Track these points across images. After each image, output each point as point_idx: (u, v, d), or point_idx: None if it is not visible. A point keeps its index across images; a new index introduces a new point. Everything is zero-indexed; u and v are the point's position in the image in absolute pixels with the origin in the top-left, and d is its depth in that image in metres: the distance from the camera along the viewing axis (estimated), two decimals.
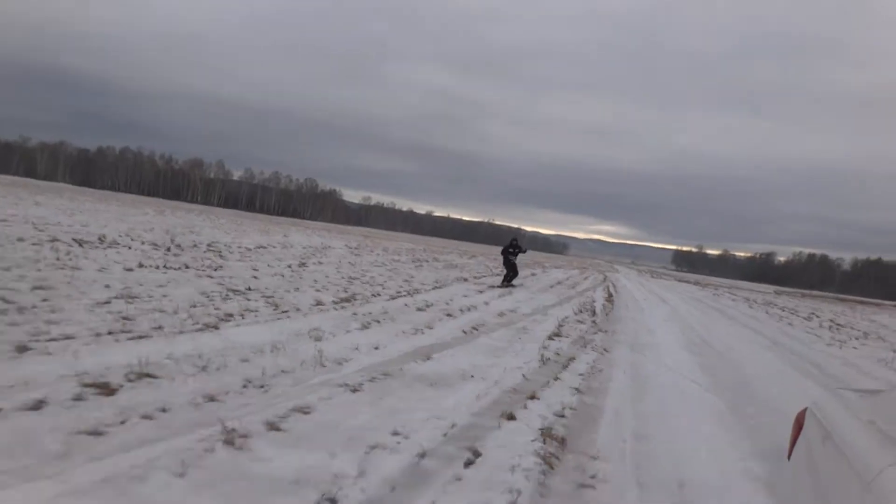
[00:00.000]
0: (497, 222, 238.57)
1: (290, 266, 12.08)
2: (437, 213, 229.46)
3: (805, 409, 1.82)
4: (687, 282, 52.64)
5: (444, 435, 3.52)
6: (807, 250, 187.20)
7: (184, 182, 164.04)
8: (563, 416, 4.24)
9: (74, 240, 10.66)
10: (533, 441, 3.54)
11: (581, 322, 9.76)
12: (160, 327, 5.11)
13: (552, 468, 3.23)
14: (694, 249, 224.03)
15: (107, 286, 6.65)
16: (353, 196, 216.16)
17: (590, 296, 16.61)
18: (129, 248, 10.88)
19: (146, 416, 3.12)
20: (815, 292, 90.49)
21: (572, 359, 6.47)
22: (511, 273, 16.47)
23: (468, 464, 3.14)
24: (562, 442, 3.65)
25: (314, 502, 2.49)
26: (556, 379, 5.39)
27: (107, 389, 3.39)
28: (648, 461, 3.58)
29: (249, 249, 14.71)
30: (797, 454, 1.76)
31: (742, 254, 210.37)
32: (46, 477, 2.37)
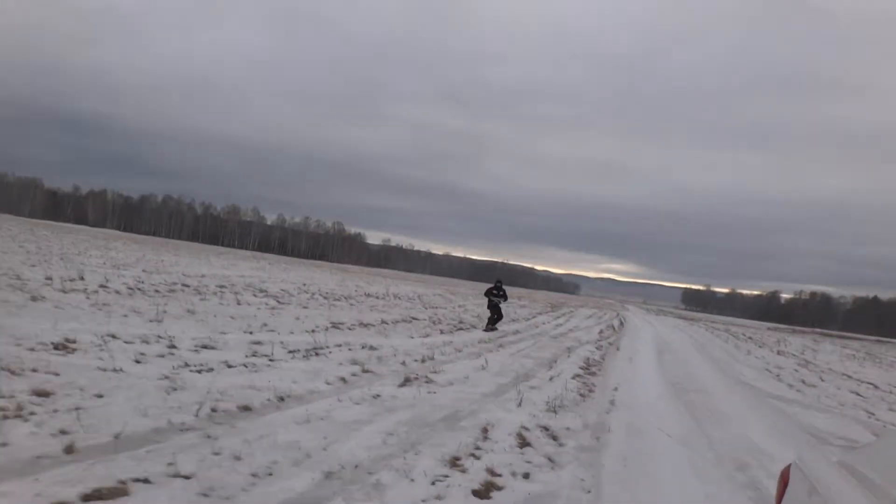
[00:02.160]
0: (511, 262, 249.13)
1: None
2: (454, 254, 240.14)
3: (790, 465, 1.80)
4: (682, 318, 63.80)
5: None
6: (810, 287, 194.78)
7: (222, 227, 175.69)
8: (611, 342, 15.51)
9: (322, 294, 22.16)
10: (580, 366, 14.85)
11: (612, 327, 21.15)
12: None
13: (589, 369, 14.51)
14: (702, 288, 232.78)
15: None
16: (374, 237, 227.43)
17: (614, 321, 28.01)
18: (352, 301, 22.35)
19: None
20: (809, 329, 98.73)
21: (613, 336, 17.76)
22: (495, 316, 16.56)
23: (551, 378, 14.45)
24: (606, 346, 14.92)
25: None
26: (601, 333, 16.69)
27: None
28: (638, 346, 14.85)
29: (400, 297, 26.18)
30: None
31: (749, 292, 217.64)
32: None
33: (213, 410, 4.65)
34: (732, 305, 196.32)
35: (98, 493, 2.94)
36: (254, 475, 3.49)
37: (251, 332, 9.11)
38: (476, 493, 3.73)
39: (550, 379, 8.73)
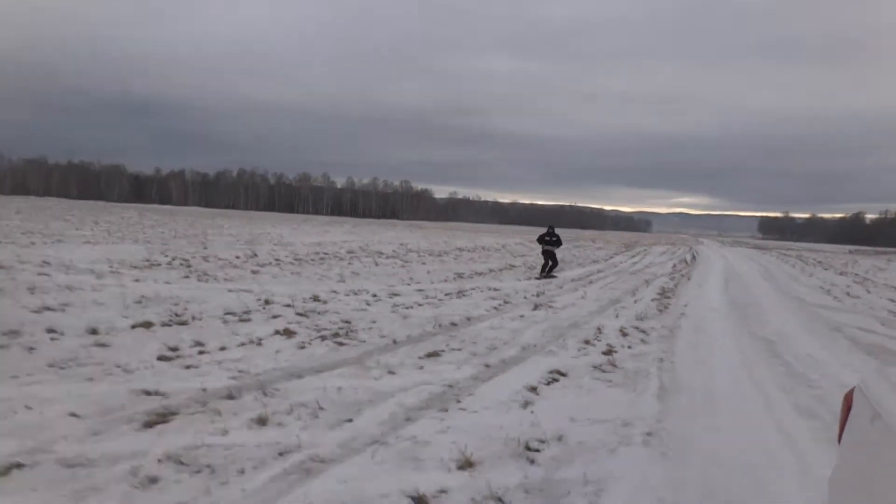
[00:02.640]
0: (580, 205, 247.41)
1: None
2: (522, 202, 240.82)
3: (853, 389, 1.75)
4: (756, 248, 64.44)
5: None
6: None
7: (296, 195, 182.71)
8: (683, 273, 18.24)
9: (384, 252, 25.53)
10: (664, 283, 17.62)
11: (684, 261, 23.73)
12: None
13: (664, 294, 17.26)
14: (780, 215, 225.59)
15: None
16: (440, 192, 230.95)
17: (686, 255, 30.38)
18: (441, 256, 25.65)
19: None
20: (893, 249, 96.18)
21: (685, 269, 20.43)
22: (550, 262, 16.39)
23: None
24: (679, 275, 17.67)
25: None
26: (674, 267, 19.40)
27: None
28: (708, 275, 17.55)
29: (488, 249, 29.36)
30: (847, 436, 1.69)
31: (831, 216, 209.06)
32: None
33: (439, 325, 8.00)
34: (813, 231, 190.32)
35: (430, 355, 6.29)
36: (488, 348, 6.79)
37: (409, 284, 12.54)
38: (604, 353, 6.90)
39: (635, 301, 11.77)
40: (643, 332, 8.46)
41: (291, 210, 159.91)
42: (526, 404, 4.71)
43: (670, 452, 3.84)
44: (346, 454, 3.54)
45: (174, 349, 5.73)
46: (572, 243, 43.69)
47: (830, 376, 6.26)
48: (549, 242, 16.54)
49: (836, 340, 8.61)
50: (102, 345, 5.64)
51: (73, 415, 3.79)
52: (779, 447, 4.09)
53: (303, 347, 6.22)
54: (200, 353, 5.71)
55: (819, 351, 7.71)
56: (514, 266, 19.02)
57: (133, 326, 6.50)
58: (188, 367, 5.20)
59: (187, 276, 11.21)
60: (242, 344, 6.16)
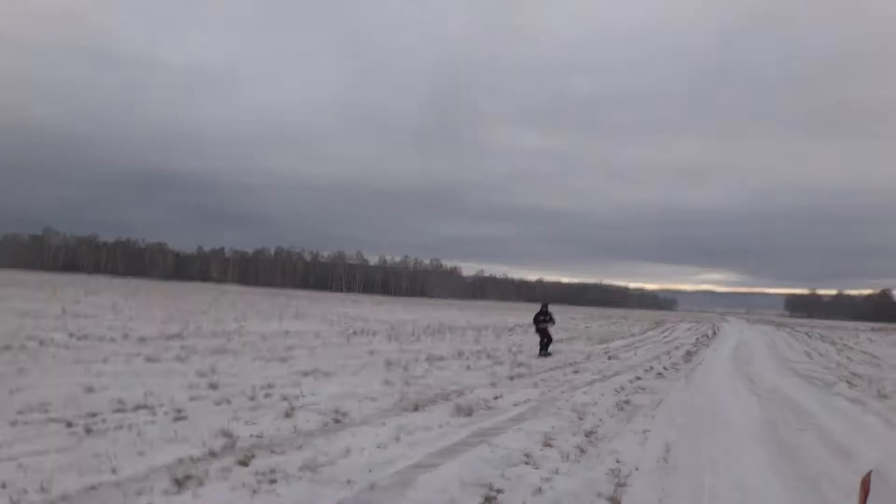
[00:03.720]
0: (605, 282, 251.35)
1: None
2: (547, 279, 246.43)
3: (870, 473, 1.84)
4: (773, 324, 69.98)
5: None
6: None
7: (329, 272, 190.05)
8: (703, 343, 24.59)
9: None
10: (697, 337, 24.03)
11: (706, 335, 30.06)
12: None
13: (689, 355, 23.63)
14: (806, 292, 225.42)
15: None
16: (467, 268, 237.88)
17: (708, 331, 36.56)
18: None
19: None
20: None
21: (706, 340, 26.74)
22: (545, 340, 16.97)
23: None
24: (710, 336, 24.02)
25: None
26: (697, 340, 25.74)
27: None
28: (724, 344, 23.87)
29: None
30: None
31: (858, 292, 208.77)
32: None
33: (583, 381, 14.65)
34: (839, 308, 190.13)
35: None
36: (606, 373, 13.44)
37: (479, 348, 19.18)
38: (657, 374, 13.50)
39: (669, 357, 18.27)
40: (676, 369, 15.03)
41: (325, 287, 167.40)
42: (642, 388, 11.34)
43: (690, 390, 10.49)
44: None
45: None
46: (610, 320, 49.95)
47: (770, 383, 12.79)
48: (544, 321, 17.23)
49: (787, 374, 15.09)
50: None
51: None
52: (731, 392, 10.71)
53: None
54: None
55: (773, 376, 14.25)
56: (575, 338, 25.63)
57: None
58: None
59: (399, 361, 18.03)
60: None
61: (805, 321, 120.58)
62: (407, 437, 6.05)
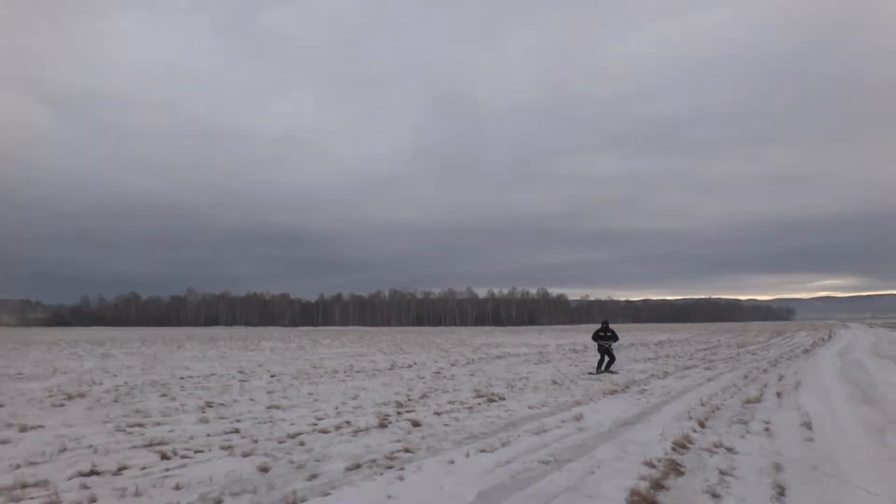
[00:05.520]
0: (713, 296, 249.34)
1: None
2: (652, 298, 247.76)
3: None
4: (889, 327, 74.25)
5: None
6: None
7: (442, 308, 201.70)
8: (819, 345, 33.47)
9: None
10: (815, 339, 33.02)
11: (822, 339, 38.61)
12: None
13: (807, 351, 32.60)
14: None
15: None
16: (573, 294, 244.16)
17: (824, 336, 44.50)
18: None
19: None
20: None
21: (822, 343, 35.46)
22: (605, 358, 16.39)
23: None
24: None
25: None
26: (813, 343, 34.56)
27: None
28: (834, 344, 32.75)
29: (672, 342, 45.18)
30: None
31: None
32: None
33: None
34: None
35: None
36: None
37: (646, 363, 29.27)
38: (788, 356, 23.42)
39: (793, 351, 27.79)
40: (797, 357, 24.74)
41: (438, 323, 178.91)
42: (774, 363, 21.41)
43: (808, 363, 20.58)
44: None
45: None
46: (732, 333, 58.11)
47: (853, 358, 22.41)
48: (605, 338, 17.05)
49: (870, 356, 24.42)
50: None
51: None
52: (828, 362, 20.68)
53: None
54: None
55: (859, 356, 23.72)
56: (719, 346, 35.24)
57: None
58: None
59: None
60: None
61: None
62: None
